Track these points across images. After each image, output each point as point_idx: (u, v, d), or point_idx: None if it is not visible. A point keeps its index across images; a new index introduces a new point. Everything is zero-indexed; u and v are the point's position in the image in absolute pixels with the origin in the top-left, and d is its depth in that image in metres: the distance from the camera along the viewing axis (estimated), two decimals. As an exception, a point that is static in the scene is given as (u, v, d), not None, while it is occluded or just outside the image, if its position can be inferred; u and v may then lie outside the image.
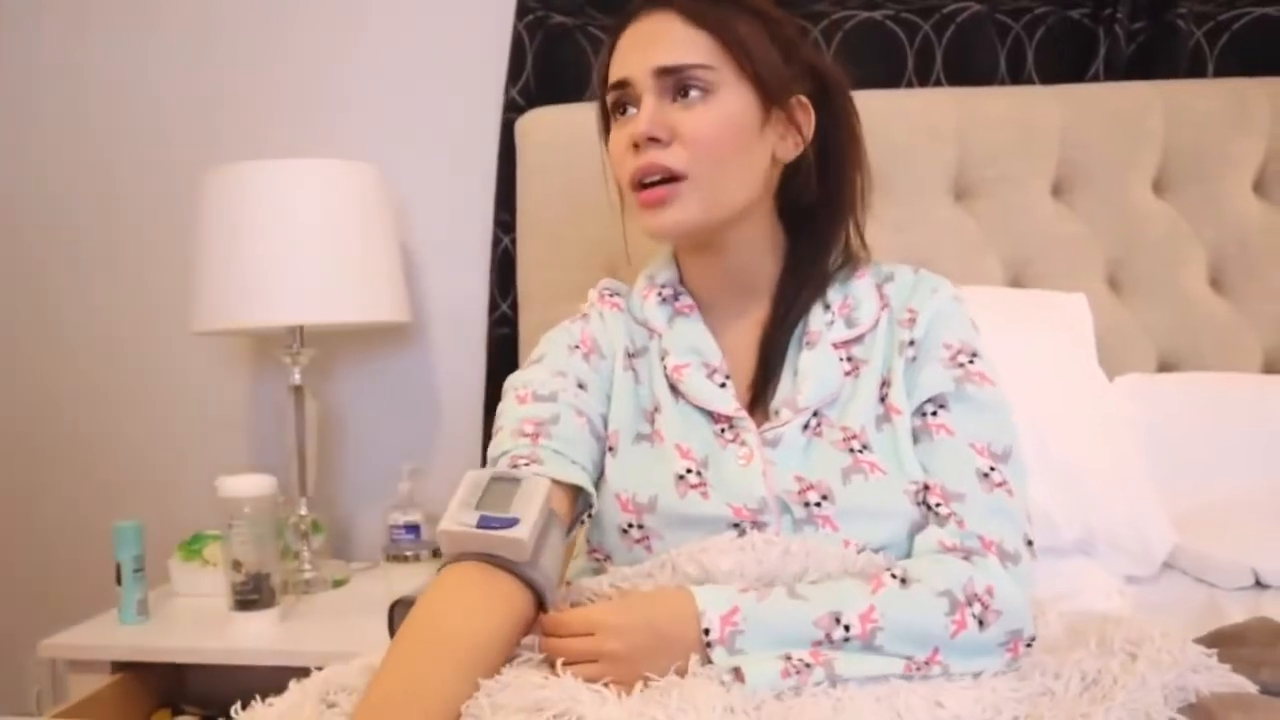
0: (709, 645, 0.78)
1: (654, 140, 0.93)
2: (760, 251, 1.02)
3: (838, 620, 0.79)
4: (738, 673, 0.76)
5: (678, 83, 0.93)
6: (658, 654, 0.78)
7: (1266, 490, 1.38)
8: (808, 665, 0.77)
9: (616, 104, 0.98)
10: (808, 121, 0.99)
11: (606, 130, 1.03)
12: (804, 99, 0.99)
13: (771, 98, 0.95)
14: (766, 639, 0.78)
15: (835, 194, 1.02)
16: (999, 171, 1.65)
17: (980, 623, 0.81)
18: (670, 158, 0.93)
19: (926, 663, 0.80)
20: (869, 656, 0.79)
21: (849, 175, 1.02)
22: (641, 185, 0.95)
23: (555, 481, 0.89)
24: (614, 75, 0.98)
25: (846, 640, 0.78)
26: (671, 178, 0.93)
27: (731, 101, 0.94)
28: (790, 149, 0.99)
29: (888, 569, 0.84)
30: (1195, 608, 1.24)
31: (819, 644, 0.78)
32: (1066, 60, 1.71)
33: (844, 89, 1.02)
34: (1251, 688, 0.82)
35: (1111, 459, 1.34)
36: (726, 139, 0.94)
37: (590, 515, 0.97)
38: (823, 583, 0.83)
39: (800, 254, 1.02)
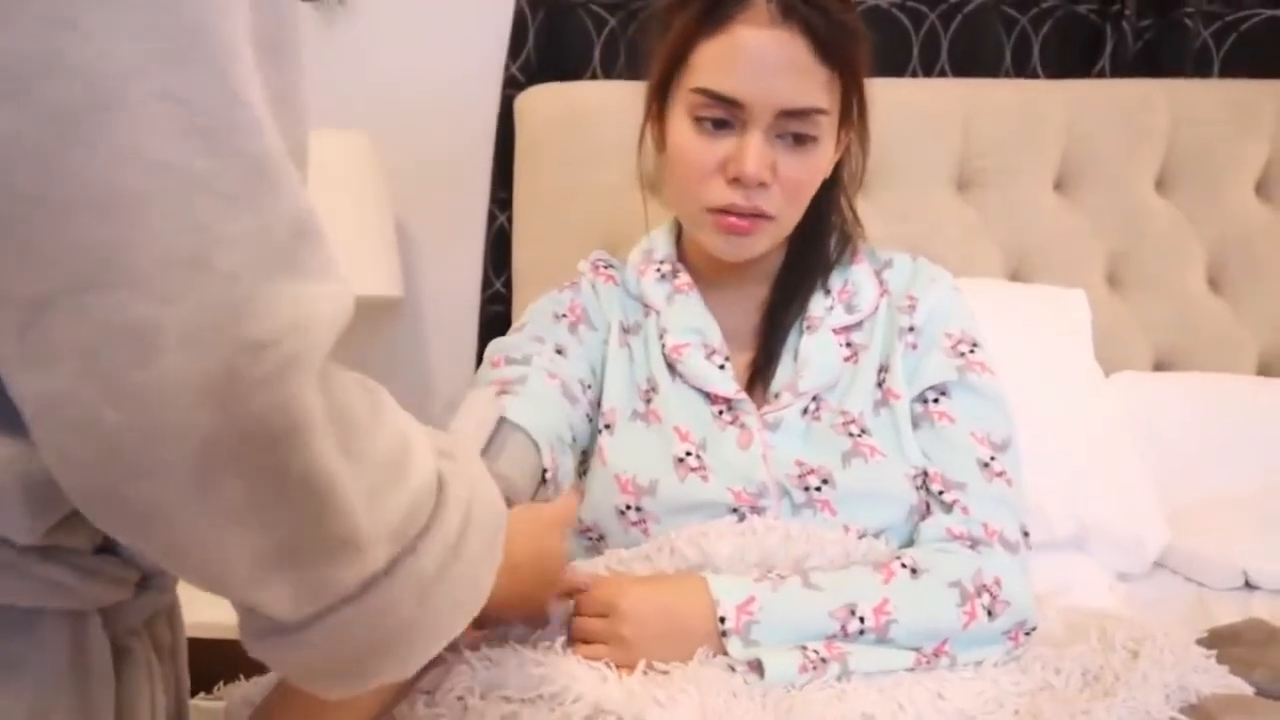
0: (724, 635, 0.77)
1: (760, 184, 0.89)
2: None
3: (853, 612, 0.78)
4: (752, 664, 0.76)
5: (792, 124, 0.88)
6: (670, 642, 0.77)
7: (1259, 492, 1.38)
8: (824, 660, 0.76)
9: (706, 109, 0.89)
10: (847, 127, 0.96)
11: (656, 104, 0.95)
12: None
13: (849, 131, 0.94)
14: (782, 630, 0.78)
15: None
16: (1002, 163, 1.63)
17: (989, 613, 0.81)
18: (767, 202, 0.90)
19: (935, 654, 0.79)
20: (881, 651, 0.78)
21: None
22: (723, 211, 0.91)
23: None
24: (720, 85, 0.87)
25: (862, 633, 0.78)
26: (761, 215, 0.91)
27: (827, 148, 0.92)
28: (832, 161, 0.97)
29: (897, 558, 0.84)
30: (1185, 607, 1.24)
31: (833, 637, 0.78)
32: (1072, 55, 1.70)
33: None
34: (1247, 689, 0.81)
35: (1106, 455, 1.34)
36: (814, 183, 0.93)
37: (546, 478, 0.90)
38: (834, 571, 0.83)
39: (803, 233, 0.99)
